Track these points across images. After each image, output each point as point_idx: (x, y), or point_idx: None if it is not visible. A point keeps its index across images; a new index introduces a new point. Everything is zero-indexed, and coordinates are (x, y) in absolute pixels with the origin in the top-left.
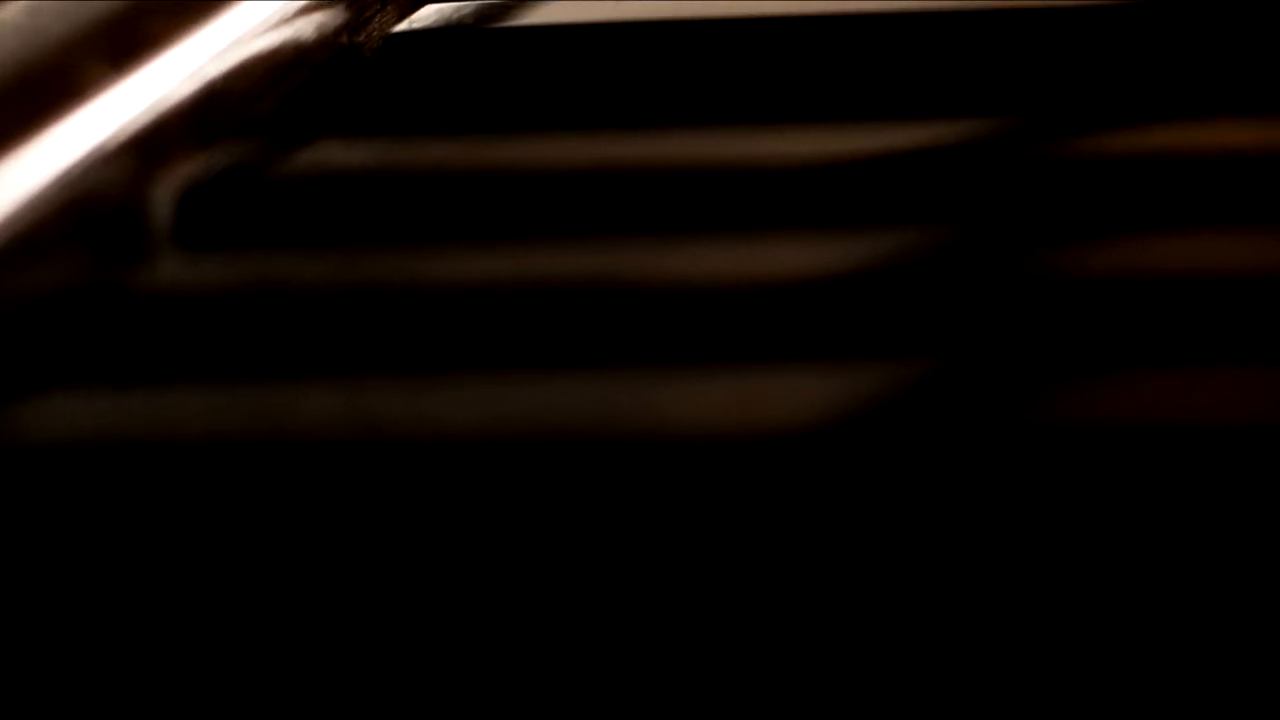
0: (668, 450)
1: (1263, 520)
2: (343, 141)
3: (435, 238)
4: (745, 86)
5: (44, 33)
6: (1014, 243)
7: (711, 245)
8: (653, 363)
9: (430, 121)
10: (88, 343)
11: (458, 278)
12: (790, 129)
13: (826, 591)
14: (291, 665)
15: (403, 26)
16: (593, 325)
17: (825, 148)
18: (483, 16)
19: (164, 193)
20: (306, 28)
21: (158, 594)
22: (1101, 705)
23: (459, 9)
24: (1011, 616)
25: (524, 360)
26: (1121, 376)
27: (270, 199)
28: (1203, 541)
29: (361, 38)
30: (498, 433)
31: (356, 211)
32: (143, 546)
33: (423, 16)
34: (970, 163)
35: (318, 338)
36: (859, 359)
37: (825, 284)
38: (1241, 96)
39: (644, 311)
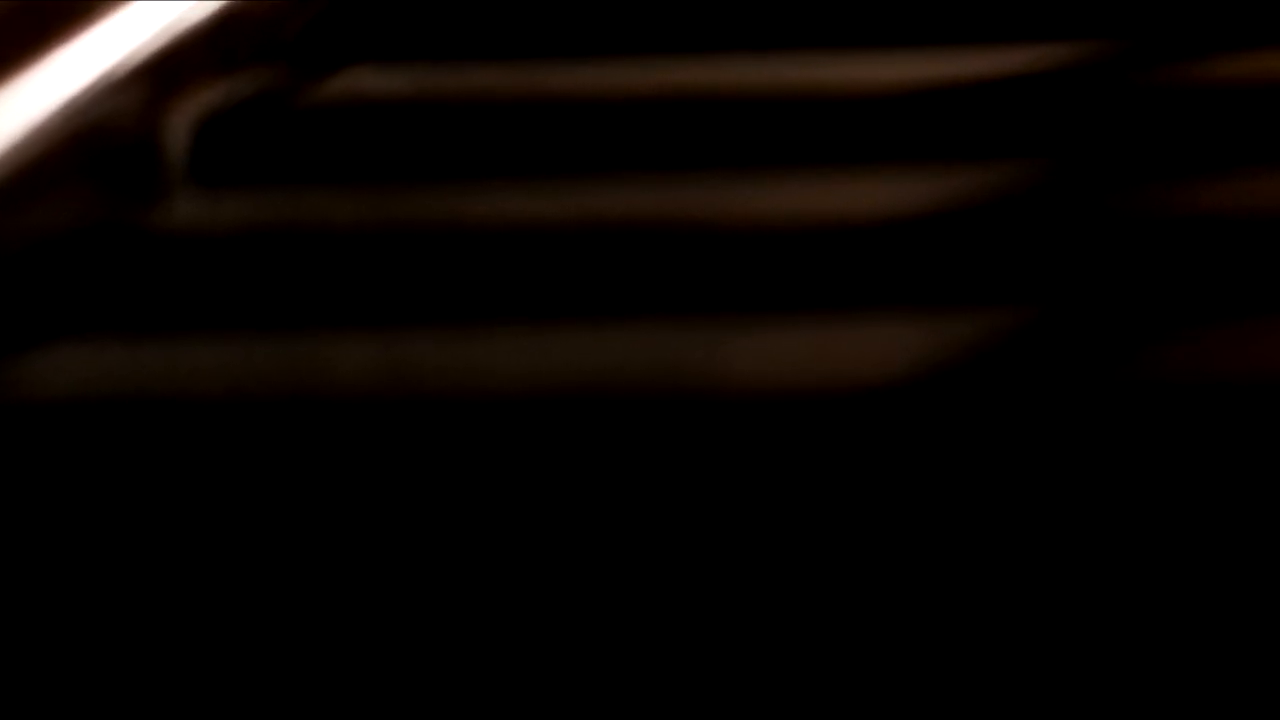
0: (737, 409)
1: None
2: (375, 67)
3: (479, 173)
4: (821, 5)
5: None
6: (1117, 179)
7: (786, 181)
8: (721, 311)
9: (473, 44)
10: (97, 288)
11: (504, 217)
12: (872, 53)
13: (915, 564)
14: (312, 650)
15: None
16: (654, 270)
17: (910, 74)
18: None
19: (180, 124)
20: None
21: (174, 569)
22: (1201, 657)
23: None
24: (1118, 582)
25: (578, 308)
26: (1234, 327)
27: (296, 130)
28: None
29: None
30: (548, 388)
31: (391, 144)
32: (157, 513)
33: None
34: (1070, 90)
35: (349, 283)
36: (949, 306)
37: (911, 223)
38: None
39: (711, 254)
